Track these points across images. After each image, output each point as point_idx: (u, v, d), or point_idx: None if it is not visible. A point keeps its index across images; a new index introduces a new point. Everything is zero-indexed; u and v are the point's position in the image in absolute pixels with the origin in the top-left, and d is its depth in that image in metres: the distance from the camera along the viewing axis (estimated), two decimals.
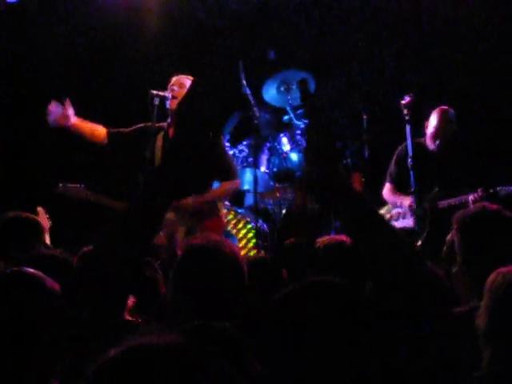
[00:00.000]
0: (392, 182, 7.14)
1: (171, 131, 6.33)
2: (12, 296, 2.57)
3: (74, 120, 6.32)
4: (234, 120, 8.69)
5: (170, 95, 6.20)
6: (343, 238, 3.70)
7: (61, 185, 6.26)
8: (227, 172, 6.38)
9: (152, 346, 1.36)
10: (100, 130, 6.43)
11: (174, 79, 6.35)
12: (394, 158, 7.11)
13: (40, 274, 2.71)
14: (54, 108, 6.30)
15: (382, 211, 7.05)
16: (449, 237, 3.53)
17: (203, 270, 2.96)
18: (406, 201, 6.80)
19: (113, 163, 7.77)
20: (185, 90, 6.17)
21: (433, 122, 6.87)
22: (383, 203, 7.21)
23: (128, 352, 1.35)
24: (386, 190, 7.18)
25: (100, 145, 6.43)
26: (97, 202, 6.23)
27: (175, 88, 6.24)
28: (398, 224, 6.85)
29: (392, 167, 7.14)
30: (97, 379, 1.33)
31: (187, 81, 6.28)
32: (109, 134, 6.43)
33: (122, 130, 6.51)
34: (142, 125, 6.34)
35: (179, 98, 6.13)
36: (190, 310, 2.89)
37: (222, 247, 3.04)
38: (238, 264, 3.04)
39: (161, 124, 6.33)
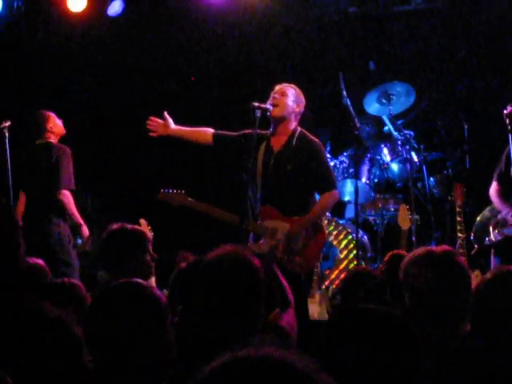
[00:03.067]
0: (499, 182, 6.62)
1: (273, 140, 6.39)
2: (124, 305, 2.67)
3: (173, 127, 6.48)
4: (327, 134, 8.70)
5: (271, 107, 6.23)
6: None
7: (162, 191, 6.37)
8: (325, 182, 6.32)
9: (260, 359, 1.38)
10: (204, 132, 6.51)
11: (276, 87, 6.38)
12: (504, 157, 6.75)
13: (146, 284, 2.81)
14: (153, 121, 6.50)
15: (486, 212, 6.81)
16: None
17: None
18: (508, 210, 6.57)
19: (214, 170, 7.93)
20: (286, 99, 6.25)
21: None
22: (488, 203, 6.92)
23: (235, 363, 1.38)
24: (493, 191, 6.64)
25: (206, 145, 6.54)
26: (196, 209, 6.31)
27: (277, 96, 6.26)
28: (507, 231, 6.62)
29: (501, 166, 6.61)
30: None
31: (289, 89, 6.31)
32: (215, 135, 6.47)
33: (229, 133, 6.56)
34: (249, 131, 6.28)
35: (280, 106, 6.18)
36: None
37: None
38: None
39: (264, 132, 6.37)
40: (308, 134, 6.35)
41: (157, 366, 2.64)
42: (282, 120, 6.26)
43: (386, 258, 4.68)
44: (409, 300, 3.32)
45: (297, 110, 6.29)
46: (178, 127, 6.51)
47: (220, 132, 6.52)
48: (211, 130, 6.49)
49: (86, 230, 7.37)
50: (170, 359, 2.71)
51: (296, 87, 6.38)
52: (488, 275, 3.22)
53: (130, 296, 2.70)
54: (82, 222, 7.35)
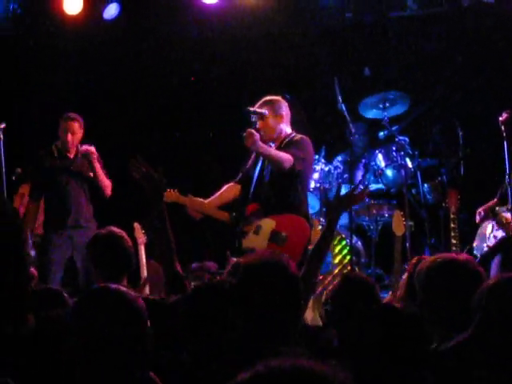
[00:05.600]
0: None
1: None
2: (98, 310, 2.68)
3: (204, 209, 6.44)
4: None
5: (266, 111, 6.25)
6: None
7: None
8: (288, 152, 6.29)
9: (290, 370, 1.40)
10: (230, 189, 6.56)
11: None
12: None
13: (123, 289, 2.82)
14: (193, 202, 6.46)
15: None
16: None
17: None
18: (479, 209, 6.77)
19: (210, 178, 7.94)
20: (266, 121, 6.25)
21: None
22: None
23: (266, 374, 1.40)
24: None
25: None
26: (190, 206, 6.34)
27: (257, 123, 6.32)
28: (500, 233, 6.70)
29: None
30: None
31: (265, 108, 6.33)
32: (239, 182, 6.59)
33: (246, 169, 6.61)
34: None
35: (264, 131, 6.21)
36: None
37: None
38: None
39: None
40: (297, 135, 6.39)
41: (134, 368, 2.66)
42: (275, 139, 6.34)
43: (414, 261, 4.63)
44: (423, 303, 3.36)
45: (281, 120, 6.32)
46: (208, 204, 6.45)
47: (239, 177, 6.60)
48: (232, 183, 6.59)
49: None
50: (147, 363, 2.72)
51: (269, 99, 6.39)
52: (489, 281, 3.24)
53: (107, 301, 2.71)
54: None
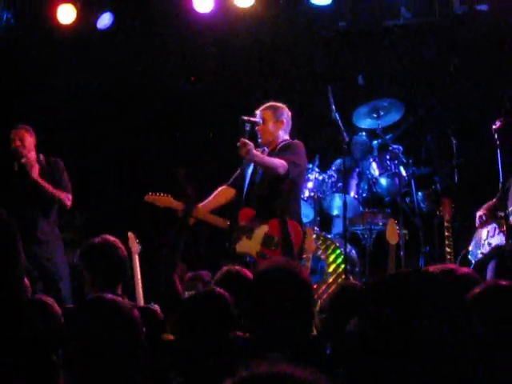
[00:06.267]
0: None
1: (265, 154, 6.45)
2: (93, 319, 2.68)
3: (198, 214, 6.41)
4: None
5: (260, 120, 6.32)
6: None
7: (149, 193, 6.45)
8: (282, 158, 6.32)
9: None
10: (223, 192, 6.62)
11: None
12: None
13: (118, 299, 2.82)
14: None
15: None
16: None
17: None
18: (480, 211, 6.73)
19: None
20: (266, 126, 6.36)
21: None
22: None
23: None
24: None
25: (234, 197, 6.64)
26: (184, 211, 6.37)
27: (257, 129, 6.42)
28: (494, 240, 6.68)
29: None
30: None
31: (266, 113, 6.40)
32: (231, 185, 6.63)
33: (238, 172, 6.66)
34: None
35: (263, 135, 6.39)
36: None
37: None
38: None
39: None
40: (291, 140, 6.47)
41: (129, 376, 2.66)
42: (271, 143, 6.43)
43: None
44: None
45: (281, 126, 6.40)
46: (202, 210, 6.45)
47: (232, 180, 6.66)
48: (225, 186, 6.64)
49: None
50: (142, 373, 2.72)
51: (272, 104, 6.50)
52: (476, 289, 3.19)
53: (102, 310, 2.71)
54: None
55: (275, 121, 6.42)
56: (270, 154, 6.34)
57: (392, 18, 9.21)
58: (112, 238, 4.73)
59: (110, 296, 2.84)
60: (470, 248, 6.90)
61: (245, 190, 6.40)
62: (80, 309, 2.80)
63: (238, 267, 4.67)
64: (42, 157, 7.28)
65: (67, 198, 7.23)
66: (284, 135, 6.49)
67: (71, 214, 8.57)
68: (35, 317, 2.83)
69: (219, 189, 6.64)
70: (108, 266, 4.57)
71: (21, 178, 7.07)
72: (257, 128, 6.36)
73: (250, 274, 4.39)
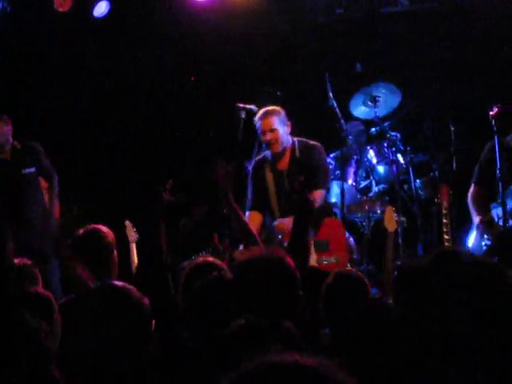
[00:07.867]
0: (476, 183, 6.69)
1: (278, 162, 6.63)
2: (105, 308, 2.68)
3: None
4: None
5: (256, 108, 6.34)
6: None
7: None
8: (317, 179, 6.38)
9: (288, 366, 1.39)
10: (256, 218, 6.63)
11: (262, 125, 6.45)
12: (483, 159, 6.66)
13: (128, 286, 2.82)
14: None
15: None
16: None
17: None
18: (477, 218, 6.53)
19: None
20: (277, 133, 6.42)
21: None
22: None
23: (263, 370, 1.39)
24: (470, 194, 6.72)
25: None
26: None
27: (268, 136, 6.46)
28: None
29: (477, 166, 6.68)
30: None
31: (274, 120, 6.44)
32: (258, 208, 6.69)
33: (252, 190, 6.74)
34: (252, 165, 6.63)
35: (276, 143, 6.49)
36: None
37: None
38: None
39: (261, 157, 6.66)
40: (305, 140, 6.49)
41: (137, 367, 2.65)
42: (283, 147, 6.56)
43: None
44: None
45: (288, 130, 6.48)
46: None
47: (254, 202, 6.70)
48: (254, 212, 6.67)
49: None
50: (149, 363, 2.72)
51: (275, 109, 6.52)
52: None
53: (112, 299, 2.71)
54: None
55: (283, 126, 6.48)
56: (292, 161, 6.39)
57: (390, 5, 9.17)
58: (94, 226, 4.82)
59: (121, 284, 2.86)
60: (469, 245, 6.70)
61: (272, 204, 6.47)
62: (93, 296, 2.82)
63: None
64: (16, 143, 7.21)
65: (56, 186, 7.21)
66: (290, 137, 6.62)
67: (68, 204, 8.55)
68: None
69: (248, 216, 6.56)
70: (93, 253, 4.68)
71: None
72: (269, 138, 6.42)
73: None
